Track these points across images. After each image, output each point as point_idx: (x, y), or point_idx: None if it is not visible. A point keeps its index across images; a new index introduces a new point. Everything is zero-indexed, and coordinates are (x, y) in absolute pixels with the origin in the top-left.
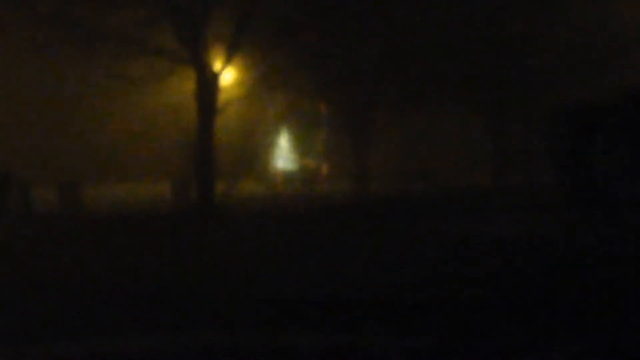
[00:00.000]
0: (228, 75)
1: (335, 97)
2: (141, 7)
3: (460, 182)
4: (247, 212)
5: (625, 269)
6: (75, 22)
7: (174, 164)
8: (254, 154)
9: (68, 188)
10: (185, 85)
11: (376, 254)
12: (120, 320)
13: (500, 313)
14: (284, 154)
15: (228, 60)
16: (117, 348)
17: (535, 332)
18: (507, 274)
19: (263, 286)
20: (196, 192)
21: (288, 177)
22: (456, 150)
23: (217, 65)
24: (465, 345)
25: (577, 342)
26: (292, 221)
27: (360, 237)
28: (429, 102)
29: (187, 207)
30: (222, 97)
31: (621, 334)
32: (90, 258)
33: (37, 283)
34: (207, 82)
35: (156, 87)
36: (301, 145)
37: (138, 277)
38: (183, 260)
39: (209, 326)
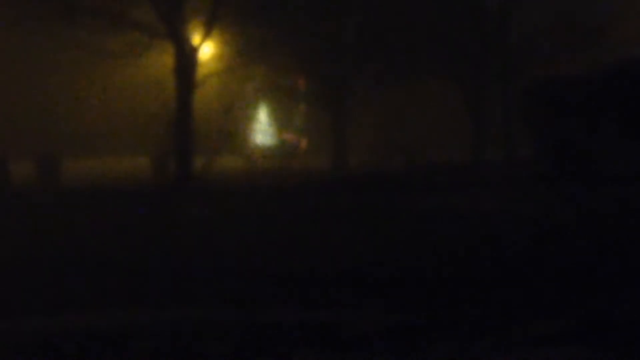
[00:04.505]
0: (207, 50)
1: (314, 72)
2: None
3: (439, 157)
4: (226, 187)
5: (595, 243)
6: None
7: (153, 139)
8: (232, 128)
9: (46, 162)
10: (164, 59)
11: (354, 229)
12: (94, 294)
13: (480, 288)
14: (262, 129)
15: (207, 34)
16: (94, 322)
17: (518, 307)
18: (481, 249)
19: (241, 261)
20: (175, 166)
21: (267, 151)
22: (435, 125)
23: (195, 39)
24: (453, 320)
25: (573, 314)
26: (270, 196)
27: (338, 212)
28: (408, 76)
29: (166, 182)
30: (200, 72)
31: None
32: (66, 231)
33: (9, 256)
34: (186, 57)
35: (135, 61)
36: (280, 119)
37: (113, 251)
38: (159, 234)
39: (187, 301)
